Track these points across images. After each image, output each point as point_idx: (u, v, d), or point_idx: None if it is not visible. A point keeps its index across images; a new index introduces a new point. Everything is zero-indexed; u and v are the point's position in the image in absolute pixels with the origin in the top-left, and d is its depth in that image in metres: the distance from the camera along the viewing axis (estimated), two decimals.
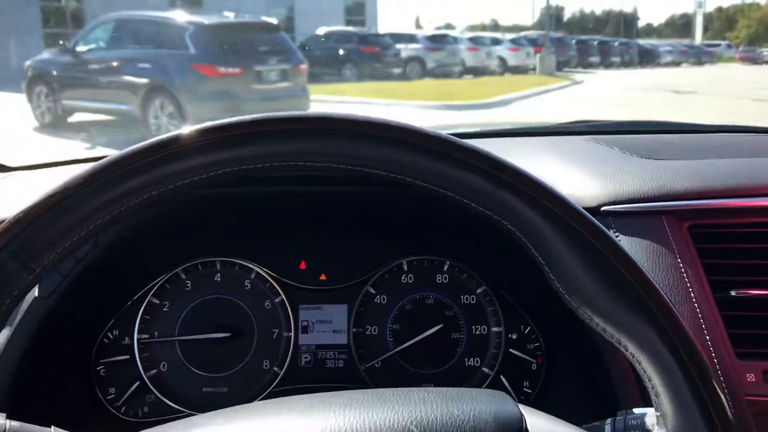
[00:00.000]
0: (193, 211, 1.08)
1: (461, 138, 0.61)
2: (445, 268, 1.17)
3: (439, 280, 1.16)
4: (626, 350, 0.60)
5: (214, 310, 1.13)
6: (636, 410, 0.71)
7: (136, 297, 1.12)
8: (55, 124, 9.23)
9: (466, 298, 1.16)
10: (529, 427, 0.54)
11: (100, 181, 0.55)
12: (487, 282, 1.16)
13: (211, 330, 1.12)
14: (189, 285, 1.14)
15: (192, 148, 0.57)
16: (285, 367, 1.12)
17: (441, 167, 0.59)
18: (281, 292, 1.14)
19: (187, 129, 0.59)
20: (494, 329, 1.15)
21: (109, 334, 1.11)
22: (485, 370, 1.14)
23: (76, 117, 9.41)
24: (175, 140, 0.57)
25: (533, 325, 1.15)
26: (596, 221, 0.60)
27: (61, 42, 9.99)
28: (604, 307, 0.59)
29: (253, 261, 1.14)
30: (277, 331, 1.14)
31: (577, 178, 1.10)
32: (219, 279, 1.14)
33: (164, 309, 1.13)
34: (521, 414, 0.55)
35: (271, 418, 0.54)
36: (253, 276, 1.15)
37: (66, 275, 0.94)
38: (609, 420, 0.71)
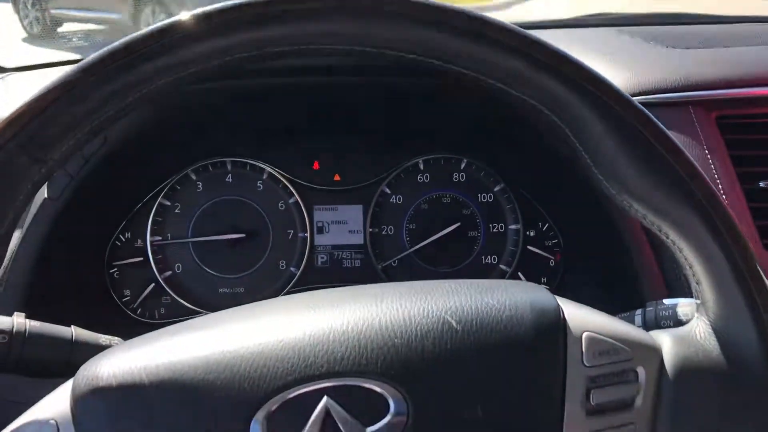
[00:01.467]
0: (202, 109, 1.04)
1: None
2: (462, 166, 1.13)
3: (455, 178, 1.14)
4: (667, 237, 0.58)
5: (226, 212, 1.11)
6: (666, 301, 0.70)
7: (146, 199, 1.10)
8: (45, 33, 8.94)
9: (483, 196, 1.14)
10: (566, 316, 0.52)
11: (111, 66, 0.51)
12: (505, 179, 1.13)
13: (224, 231, 1.10)
14: (200, 186, 1.11)
15: (209, 29, 0.53)
16: (302, 267, 1.11)
17: (475, 48, 0.55)
18: (295, 193, 1.11)
19: (204, 9, 0.54)
20: (512, 227, 1.13)
21: (120, 236, 1.09)
22: (503, 267, 1.13)
23: (66, 27, 9.12)
24: (190, 21, 0.53)
25: (551, 221, 1.13)
26: (639, 104, 0.56)
27: None
28: (645, 193, 0.56)
29: (265, 161, 1.11)
30: (292, 231, 1.12)
31: (601, 69, 1.05)
32: (230, 180, 1.11)
33: (176, 211, 1.10)
34: (557, 303, 0.53)
35: (304, 310, 0.53)
36: (265, 176, 1.12)
37: (74, 175, 0.90)
38: (639, 311, 0.69)
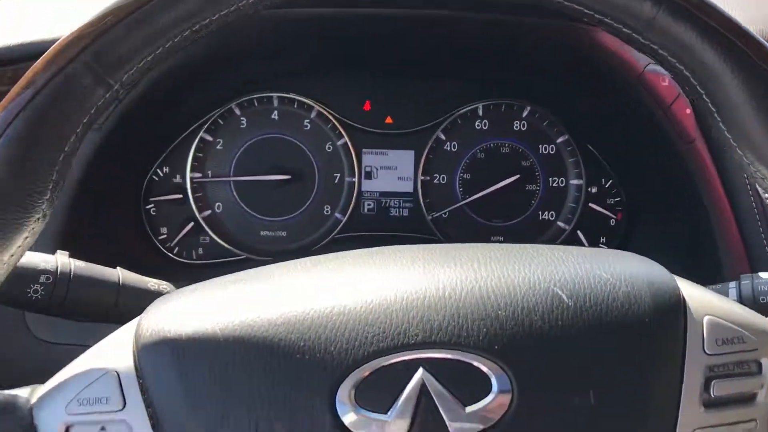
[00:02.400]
0: (247, 37, 0.96)
1: None
2: (525, 114, 1.06)
3: (516, 127, 1.06)
4: None
5: (271, 151, 1.04)
6: (764, 275, 0.64)
7: (186, 133, 1.03)
8: None
9: (545, 147, 1.06)
10: (686, 297, 0.46)
11: None
12: (570, 130, 1.05)
13: (267, 171, 1.04)
14: (244, 122, 1.04)
15: None
16: (348, 214, 1.05)
17: None
18: (344, 134, 1.04)
19: None
20: (573, 182, 1.06)
21: (158, 171, 1.03)
22: (561, 224, 1.07)
23: None
24: None
25: (615, 178, 1.06)
26: None
27: None
28: None
29: (314, 98, 1.04)
30: (339, 175, 1.05)
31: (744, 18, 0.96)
32: (276, 117, 1.05)
33: (217, 147, 1.04)
34: (676, 282, 0.47)
35: (392, 267, 0.47)
36: (313, 115, 1.04)
37: (117, 103, 0.84)
38: (732, 283, 0.64)
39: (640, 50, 0.51)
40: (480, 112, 1.06)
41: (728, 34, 0.48)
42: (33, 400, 0.44)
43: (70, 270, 0.61)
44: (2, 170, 0.42)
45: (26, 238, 0.44)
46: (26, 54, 0.86)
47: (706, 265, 0.91)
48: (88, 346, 0.46)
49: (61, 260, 0.61)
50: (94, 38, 0.45)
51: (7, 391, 0.45)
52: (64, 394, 0.43)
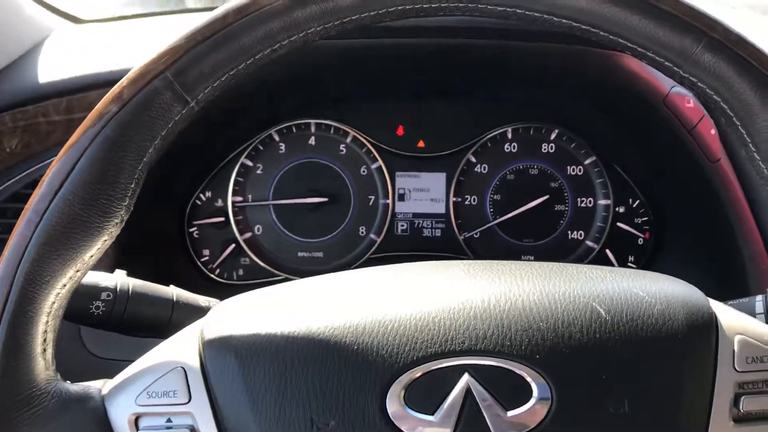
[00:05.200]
0: (286, 69, 1.01)
1: None
2: (553, 136, 1.09)
3: (545, 149, 1.09)
4: None
5: (308, 175, 1.09)
6: None
7: (228, 158, 1.08)
8: None
9: (573, 169, 1.09)
10: (719, 317, 0.48)
11: (265, 10, 0.50)
12: (597, 152, 1.08)
13: (305, 195, 1.08)
14: (282, 147, 1.09)
15: None
16: (382, 235, 1.09)
17: (637, 20, 0.51)
18: (378, 158, 1.08)
19: None
20: (601, 202, 1.09)
21: (201, 195, 1.08)
22: (589, 243, 1.09)
23: None
24: None
25: (642, 198, 1.09)
26: None
27: None
28: None
29: (349, 124, 1.08)
30: (373, 197, 1.09)
31: None
32: (314, 142, 1.09)
33: (257, 172, 1.09)
34: (709, 302, 0.50)
35: (438, 278, 0.50)
36: (349, 140, 1.09)
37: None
38: (759, 297, 0.66)
39: (681, 83, 0.54)
40: (509, 135, 1.09)
41: (764, 70, 0.51)
42: (105, 392, 0.48)
43: (129, 288, 0.64)
44: (90, 174, 0.45)
45: (105, 240, 0.47)
46: (77, 86, 0.92)
47: (732, 281, 0.93)
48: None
49: (120, 279, 0.65)
50: (177, 58, 0.48)
51: (81, 383, 0.48)
52: (134, 387, 0.46)
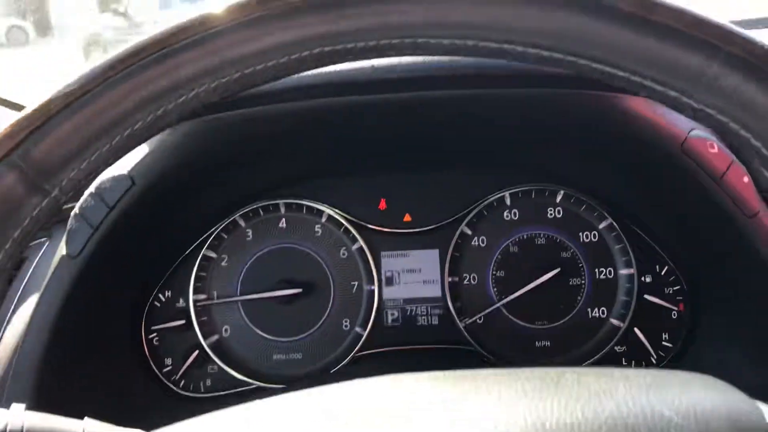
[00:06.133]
0: (249, 142, 0.88)
1: None
2: (559, 199, 0.94)
3: (551, 214, 0.95)
4: None
5: (281, 263, 0.95)
6: None
7: (188, 251, 0.95)
8: None
9: (587, 235, 0.94)
10: None
11: (134, 68, 0.41)
12: (612, 214, 0.93)
13: (278, 286, 0.94)
14: (249, 234, 0.95)
15: (266, 17, 0.41)
16: (369, 327, 0.93)
17: (641, 40, 0.40)
18: (359, 238, 0.94)
19: None
20: (623, 271, 0.93)
21: (159, 296, 0.94)
22: (614, 321, 0.93)
23: None
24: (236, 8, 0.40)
25: (671, 263, 0.93)
26: None
27: (113, 6, 9.98)
28: None
29: (324, 202, 0.95)
30: (356, 284, 0.95)
31: None
32: (284, 225, 0.95)
33: (222, 264, 0.95)
34: (761, 412, 0.35)
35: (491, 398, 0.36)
36: (324, 219, 0.95)
37: (97, 226, 0.76)
38: None
39: (695, 118, 0.41)
40: (508, 201, 0.95)
41: None
42: None
43: (22, 428, 0.51)
44: None
45: None
46: None
47: None
48: None
49: (11, 417, 0.51)
50: (26, 135, 0.38)
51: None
52: None
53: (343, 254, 0.95)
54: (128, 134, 0.42)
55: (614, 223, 0.93)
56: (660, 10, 0.42)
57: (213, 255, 0.95)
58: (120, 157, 0.43)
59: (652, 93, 0.44)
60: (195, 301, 0.94)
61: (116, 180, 0.76)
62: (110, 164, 0.42)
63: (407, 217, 0.96)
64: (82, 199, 0.77)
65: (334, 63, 0.46)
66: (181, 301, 0.94)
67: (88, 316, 0.81)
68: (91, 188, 0.76)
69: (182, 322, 0.94)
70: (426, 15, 0.44)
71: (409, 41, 0.45)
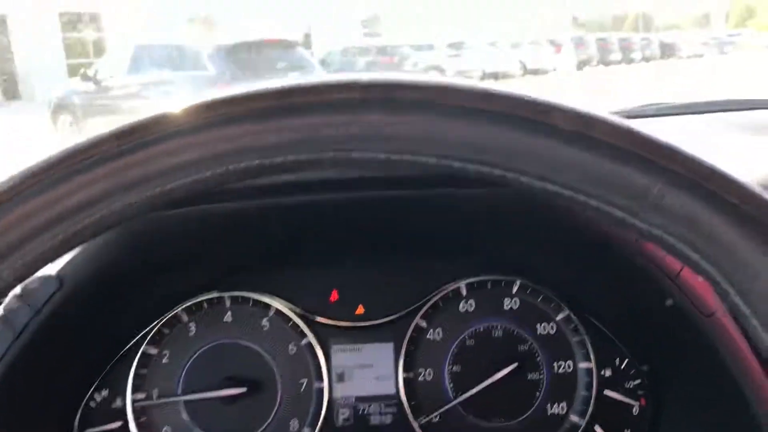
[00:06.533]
0: (191, 234, 0.85)
1: None
2: (515, 289, 0.92)
3: (507, 305, 0.92)
4: None
5: (225, 359, 0.90)
6: None
7: (126, 347, 0.89)
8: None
9: (544, 326, 0.91)
10: None
11: (61, 174, 0.39)
12: (570, 305, 0.91)
13: (223, 384, 0.88)
14: (192, 329, 0.91)
15: (197, 128, 0.40)
16: (318, 428, 0.88)
17: (583, 158, 0.39)
18: (308, 332, 0.90)
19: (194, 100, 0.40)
20: (582, 365, 0.90)
21: (95, 395, 0.88)
22: (574, 418, 0.89)
23: None
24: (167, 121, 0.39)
25: (632, 357, 0.90)
26: None
27: (82, 71, 10.00)
28: None
29: (272, 294, 0.91)
30: (305, 381, 0.90)
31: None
32: (230, 319, 0.91)
33: (163, 360, 0.90)
34: None
35: None
36: (271, 313, 0.91)
37: (20, 332, 0.71)
38: None
39: (642, 238, 0.40)
40: (464, 292, 0.92)
41: (758, 210, 0.37)
42: None
43: None
44: None
45: None
46: None
47: None
48: None
49: None
50: None
51: None
52: None
53: (292, 350, 0.90)
54: (40, 252, 0.39)
55: (572, 315, 0.90)
56: (602, 129, 0.40)
57: (153, 351, 0.89)
58: (33, 272, 0.40)
59: (598, 213, 0.42)
60: (133, 401, 0.88)
61: (43, 281, 0.72)
62: (22, 281, 0.39)
63: (360, 309, 0.92)
64: (6, 300, 0.72)
65: (264, 176, 0.43)
66: (118, 401, 0.88)
67: (10, 425, 0.75)
68: (17, 289, 0.72)
69: (119, 424, 0.87)
70: (361, 129, 0.42)
71: (342, 155, 0.43)
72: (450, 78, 0.42)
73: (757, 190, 0.38)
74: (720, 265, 0.38)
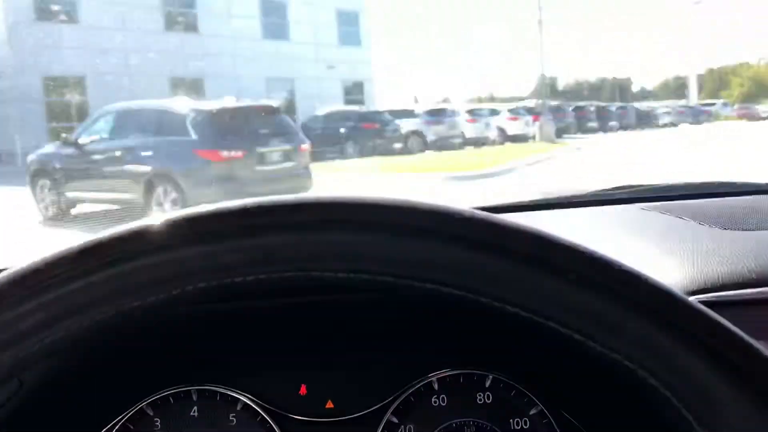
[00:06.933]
0: (158, 328, 0.83)
1: (492, 212, 0.44)
2: (488, 383, 0.90)
3: (480, 400, 0.90)
4: None
5: None
6: None
7: None
8: (58, 216, 9.16)
9: (517, 422, 0.90)
10: None
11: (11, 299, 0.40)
12: (543, 399, 0.89)
13: None
14: (158, 424, 0.88)
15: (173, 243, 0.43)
16: None
17: (540, 281, 0.41)
18: (276, 428, 0.88)
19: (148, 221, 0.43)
20: None
21: None
22: None
23: (79, 208, 9.34)
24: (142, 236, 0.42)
25: None
26: None
27: (63, 135, 10.01)
28: None
29: (239, 388, 0.89)
30: None
31: (652, 261, 0.86)
32: (196, 414, 0.89)
33: None
34: None
35: None
36: (239, 408, 0.89)
37: None
38: None
39: (601, 364, 0.40)
40: (436, 386, 0.91)
41: (722, 345, 0.38)
42: None
43: None
44: None
45: None
46: None
47: None
48: None
49: None
50: None
51: None
52: None
53: None
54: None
55: (544, 410, 0.89)
56: (558, 252, 0.41)
57: None
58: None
59: (558, 335, 0.42)
60: None
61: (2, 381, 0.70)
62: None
63: (330, 404, 0.90)
64: None
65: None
66: None
67: None
68: None
69: None
70: (320, 250, 0.43)
71: (302, 274, 0.44)
72: (407, 196, 0.43)
73: (709, 312, 0.39)
74: (686, 400, 0.38)
